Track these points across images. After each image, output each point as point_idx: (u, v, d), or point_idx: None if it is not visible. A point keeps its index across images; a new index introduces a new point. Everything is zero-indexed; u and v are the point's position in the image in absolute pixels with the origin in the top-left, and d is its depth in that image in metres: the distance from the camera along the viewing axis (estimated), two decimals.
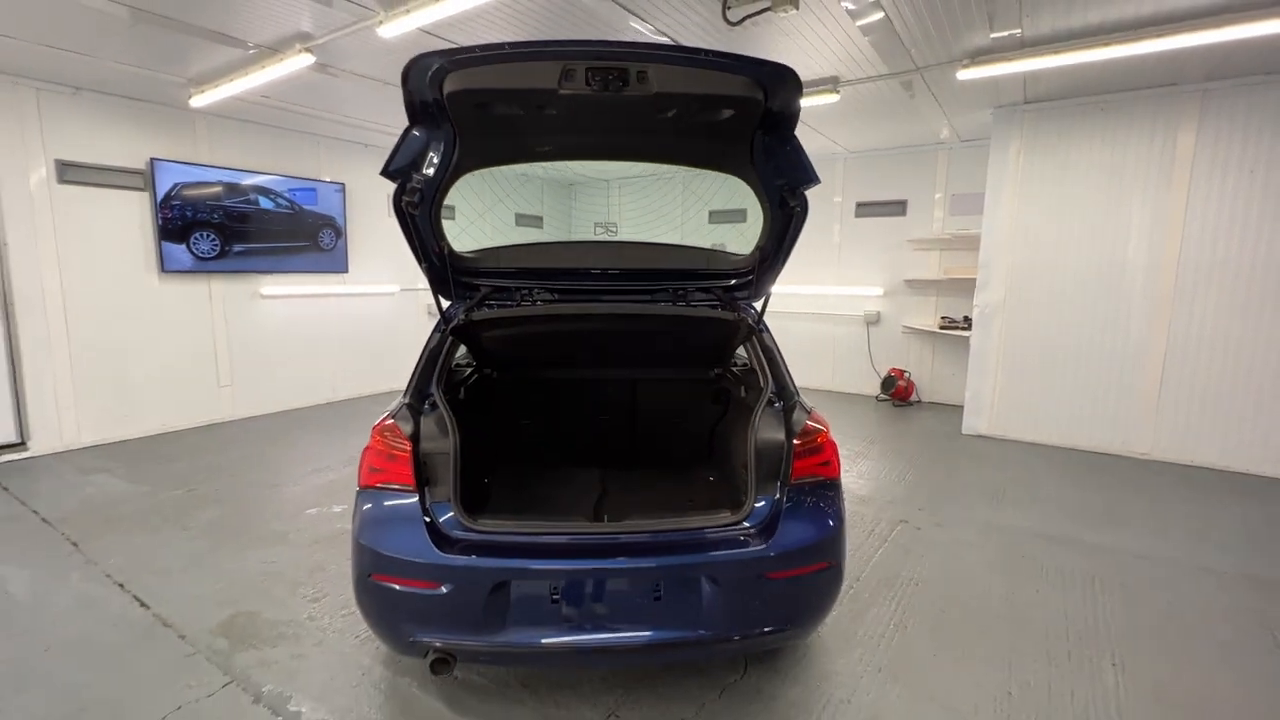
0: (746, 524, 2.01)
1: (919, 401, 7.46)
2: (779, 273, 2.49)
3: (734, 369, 2.97)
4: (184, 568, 3.26)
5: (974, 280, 6.11)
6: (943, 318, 7.20)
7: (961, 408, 6.30)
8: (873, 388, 7.70)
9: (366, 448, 2.05)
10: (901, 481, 4.67)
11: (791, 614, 2.01)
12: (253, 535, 3.64)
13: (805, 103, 5.24)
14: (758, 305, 2.58)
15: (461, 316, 2.26)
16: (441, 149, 1.99)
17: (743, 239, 2.67)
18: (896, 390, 7.34)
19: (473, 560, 1.82)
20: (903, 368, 7.49)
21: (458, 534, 1.90)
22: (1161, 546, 3.59)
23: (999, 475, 4.86)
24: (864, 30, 3.90)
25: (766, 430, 2.12)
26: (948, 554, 3.46)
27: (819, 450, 2.10)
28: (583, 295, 2.51)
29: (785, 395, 2.29)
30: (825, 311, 8.00)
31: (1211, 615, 2.87)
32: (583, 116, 1.94)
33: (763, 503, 2.05)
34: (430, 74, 1.73)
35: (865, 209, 7.65)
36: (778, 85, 1.78)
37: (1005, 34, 4.00)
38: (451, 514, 1.93)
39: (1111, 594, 3.04)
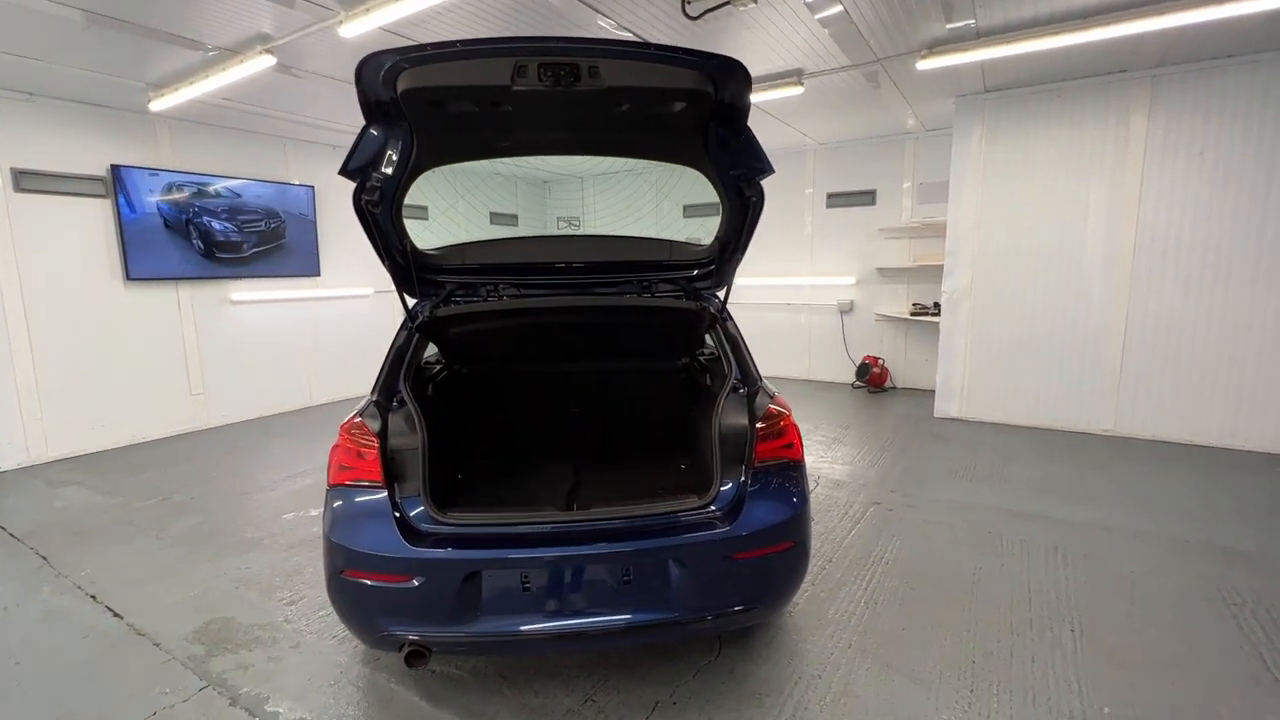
0: (713, 507, 2.06)
1: (893, 388, 7.59)
2: (739, 262, 2.55)
3: (701, 358, 3.02)
4: (158, 577, 3.23)
5: (943, 267, 6.24)
6: (914, 304, 7.33)
7: (934, 392, 6.43)
8: (848, 375, 7.82)
9: (335, 446, 2.06)
10: (875, 465, 4.77)
11: (759, 593, 2.06)
12: (228, 542, 3.62)
13: (771, 96, 5.31)
14: (721, 294, 2.63)
15: (426, 313, 2.28)
16: (399, 147, 2.01)
17: (704, 230, 2.70)
18: (871, 377, 7.46)
19: (443, 553, 1.85)
20: (877, 355, 7.62)
21: (427, 527, 1.92)
22: (1124, 518, 3.72)
23: (969, 456, 4.98)
24: (823, 23, 3.96)
25: (730, 415, 2.18)
26: (918, 533, 3.55)
27: (781, 433, 2.16)
28: (548, 289, 2.54)
29: (749, 381, 2.34)
30: (800, 302, 8.11)
31: (1169, 582, 2.99)
32: (538, 112, 1.97)
33: (728, 486, 2.10)
34: (383, 72, 1.75)
35: (836, 199, 7.75)
36: (726, 78, 1.83)
37: (960, 24, 4.09)
38: (421, 508, 1.95)
39: (1074, 565, 3.15)
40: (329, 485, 2.03)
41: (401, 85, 1.76)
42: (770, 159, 2.22)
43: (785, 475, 2.15)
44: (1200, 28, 4.08)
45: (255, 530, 3.77)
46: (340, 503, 1.97)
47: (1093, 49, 4.49)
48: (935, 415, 6.23)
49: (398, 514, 1.93)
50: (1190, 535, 3.49)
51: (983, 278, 5.90)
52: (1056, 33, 4.09)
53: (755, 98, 5.31)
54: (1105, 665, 2.36)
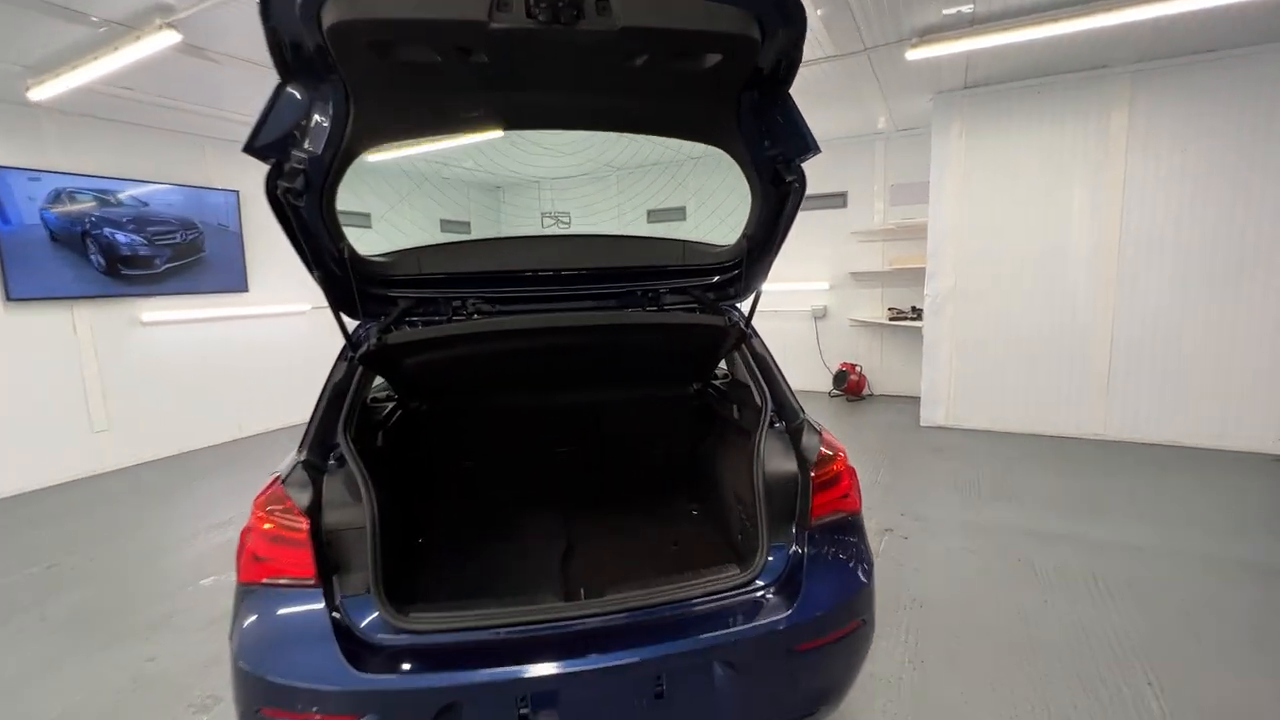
0: (760, 582, 1.60)
1: (871, 395, 7.35)
2: (771, 265, 2.10)
3: (716, 383, 2.57)
4: (35, 674, 2.54)
5: (920, 270, 6.02)
6: (890, 309, 7.11)
7: (914, 399, 6.20)
8: (825, 383, 7.54)
9: (246, 528, 1.50)
10: (876, 484, 4.42)
11: (825, 689, 1.61)
12: (128, 622, 2.93)
13: None
14: (744, 305, 2.19)
15: (373, 341, 1.73)
16: (330, 113, 1.45)
17: (725, 227, 2.22)
18: (849, 385, 7.19)
19: (406, 679, 1.32)
20: (854, 362, 7.36)
21: (383, 639, 1.39)
22: (1150, 535, 3.46)
23: (968, 469, 4.70)
24: (815, 3, 3.60)
25: (774, 460, 1.73)
26: (943, 566, 3.19)
27: (837, 480, 1.73)
28: (531, 304, 2.05)
29: (788, 414, 1.91)
30: (772, 308, 7.78)
31: (1226, 610, 2.71)
32: (523, 64, 1.45)
33: (777, 554, 1.64)
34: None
35: (807, 202, 7.26)
36: (780, 20, 1.38)
37: (955, 10, 3.81)
38: (374, 614, 1.41)
39: (1120, 597, 2.84)
40: (238, 583, 1.47)
41: (328, 19, 1.20)
42: None
43: (846, 533, 1.71)
44: (1184, 19, 3.93)
45: (164, 603, 3.09)
46: (255, 612, 1.40)
47: (1072, 43, 4.32)
48: (922, 424, 5.98)
49: (338, 623, 1.39)
50: (1220, 551, 3.25)
51: (967, 279, 5.68)
52: (1055, 20, 3.86)
53: None
54: None
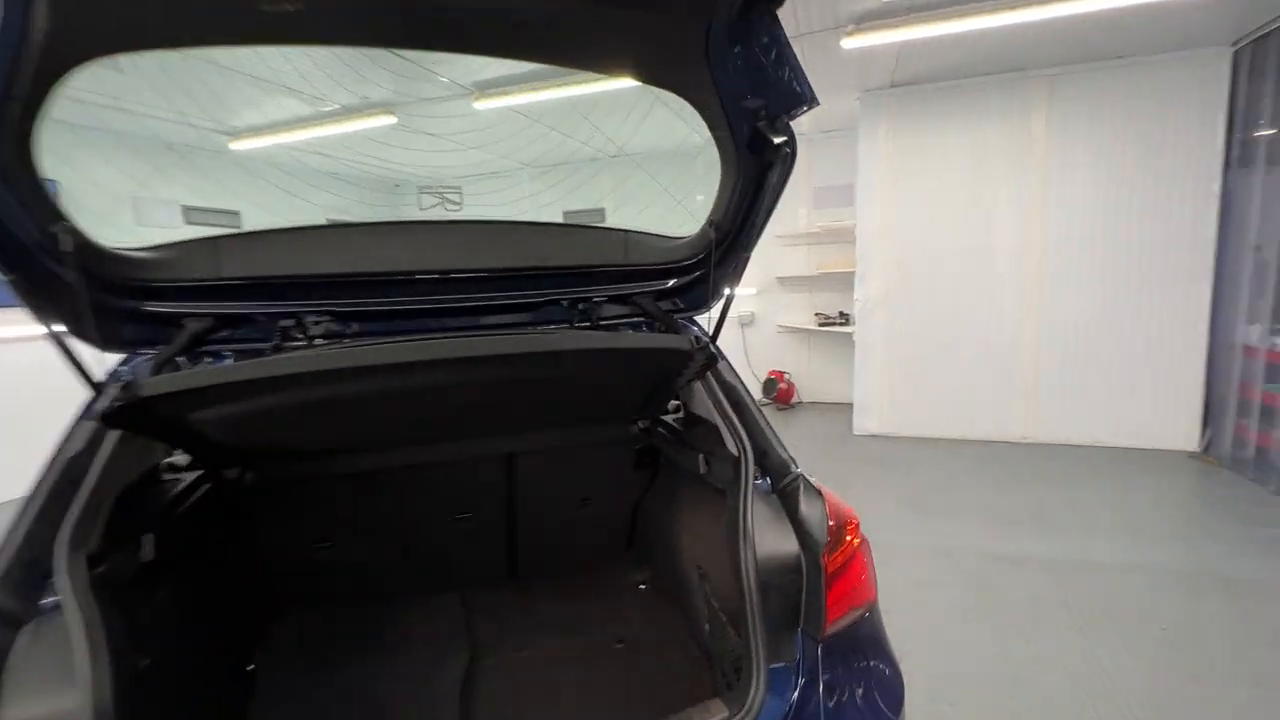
0: None
1: (800, 403, 7.15)
2: (746, 263, 1.63)
3: (665, 418, 2.06)
4: None
5: (848, 274, 5.85)
6: (818, 314, 6.94)
7: (845, 405, 6.02)
8: (753, 392, 7.26)
9: None
10: None
11: None
12: None
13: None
14: (709, 316, 1.71)
15: (119, 392, 0.99)
16: None
17: (684, 213, 1.71)
18: (779, 394, 6.95)
19: None
20: (782, 369, 7.14)
21: None
22: (1104, 549, 3.30)
23: (910, 481, 4.49)
24: None
25: (766, 539, 1.25)
26: (911, 604, 2.85)
27: (850, 563, 1.27)
28: (407, 321, 1.47)
29: (775, 466, 1.44)
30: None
31: (1207, 636, 2.52)
32: None
33: (779, 685, 1.15)
34: None
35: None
36: None
37: None
38: None
39: (1099, 629, 2.59)
40: None
41: None
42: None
43: (868, 641, 1.26)
44: (1096, 20, 3.91)
45: None
46: None
47: (995, 44, 4.26)
48: (855, 432, 5.78)
49: None
50: (1180, 564, 3.13)
51: (896, 284, 5.54)
52: (989, 11, 3.69)
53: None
54: None
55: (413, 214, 7.73)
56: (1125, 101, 4.77)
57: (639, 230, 1.69)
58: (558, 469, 2.06)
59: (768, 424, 1.56)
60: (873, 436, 5.71)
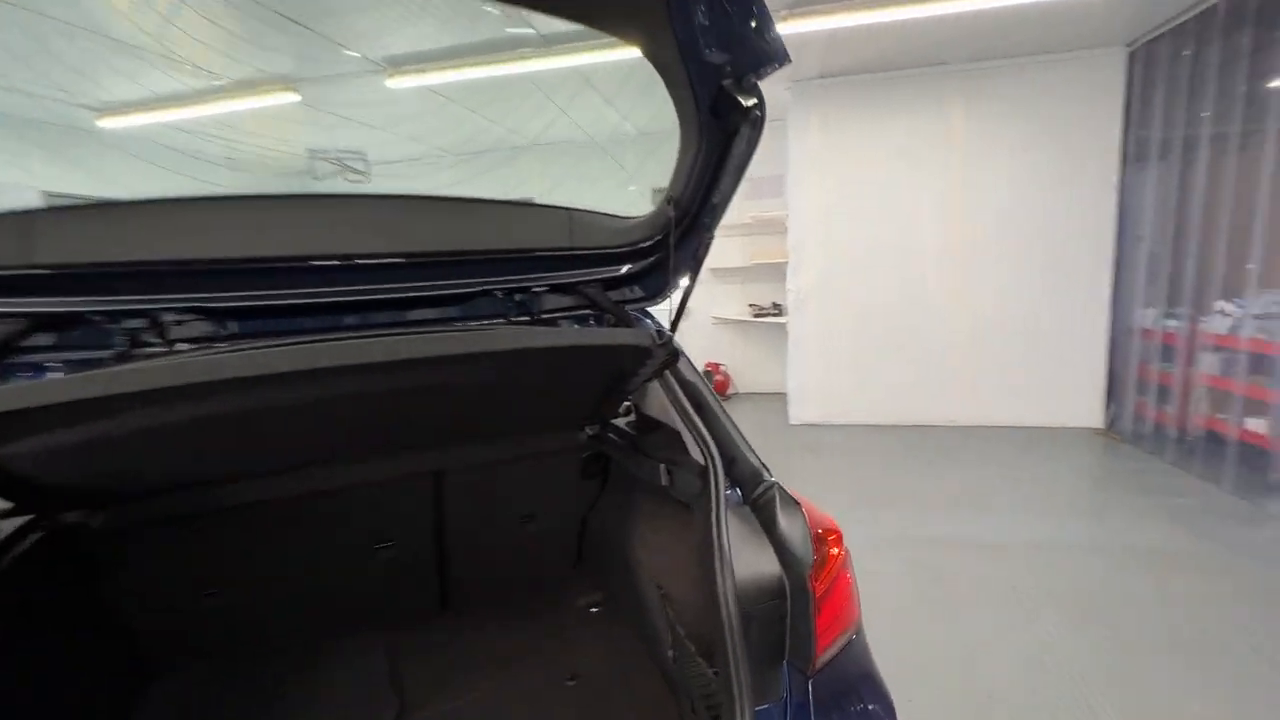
0: None
1: (736, 394, 7.17)
2: (709, 244, 1.45)
3: (616, 423, 1.88)
4: None
5: (781, 265, 5.87)
6: (751, 305, 6.96)
7: (780, 395, 6.06)
8: None
9: None
10: None
11: None
12: None
13: (599, 58, 4.32)
14: (664, 306, 1.54)
15: None
16: None
17: (635, 189, 1.51)
18: (715, 385, 6.92)
19: None
20: (718, 361, 7.12)
21: None
22: (1038, 529, 3.43)
23: (849, 469, 4.54)
24: None
25: (743, 560, 1.09)
26: (867, 595, 2.82)
27: (837, 580, 1.14)
28: (300, 318, 1.23)
29: (746, 475, 1.29)
30: None
31: (1144, 610, 2.62)
32: None
33: None
34: None
35: (662, 195, 7.07)
36: None
37: None
38: None
39: (1045, 610, 2.66)
40: None
41: None
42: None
43: (858, 674, 1.14)
44: (1013, 14, 4.07)
45: None
46: None
47: (916, 37, 4.35)
48: (791, 422, 5.83)
49: None
50: (1101, 538, 3.29)
51: (829, 274, 5.60)
52: (915, 1, 3.73)
53: (574, 60, 4.29)
54: None
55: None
56: (1034, 98, 5.00)
57: (585, 209, 1.48)
58: (494, 485, 1.83)
59: (734, 427, 1.41)
60: (809, 425, 5.77)
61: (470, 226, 1.39)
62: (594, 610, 1.94)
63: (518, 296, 1.43)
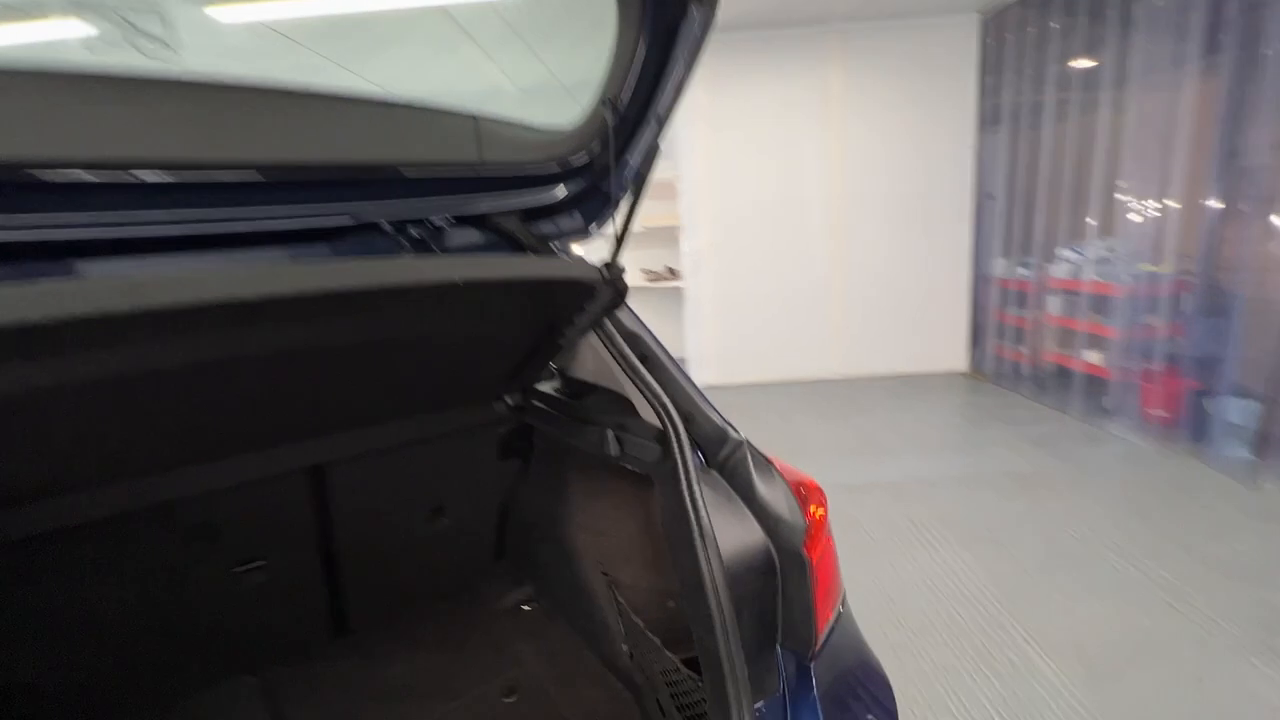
0: None
1: None
2: (655, 157, 1.13)
3: (543, 389, 1.61)
4: None
5: (672, 228, 5.82)
6: (645, 270, 6.86)
7: (678, 360, 6.08)
8: None
9: None
10: None
11: None
12: None
13: None
14: (600, 234, 1.31)
15: None
16: None
17: (564, 94, 1.15)
18: None
19: None
20: None
21: None
22: (926, 465, 3.67)
23: (751, 426, 4.55)
24: None
25: (727, 535, 0.96)
26: None
27: (826, 546, 1.05)
28: (93, 256, 0.81)
29: (707, 434, 1.16)
30: None
31: (1022, 529, 2.87)
32: None
33: None
34: None
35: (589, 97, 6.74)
36: None
37: None
38: None
39: (946, 541, 2.84)
40: None
41: None
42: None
43: (851, 648, 1.06)
44: None
45: None
46: None
47: None
48: None
49: None
50: (982, 468, 3.58)
51: (722, 235, 5.63)
52: None
53: None
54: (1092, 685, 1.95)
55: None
56: (903, 59, 5.25)
57: (497, 117, 1.14)
58: (392, 477, 1.54)
59: (689, 380, 1.27)
60: (709, 387, 5.82)
61: (341, 132, 0.99)
62: (525, 609, 1.75)
63: (412, 231, 1.07)
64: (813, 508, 1.04)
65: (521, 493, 1.79)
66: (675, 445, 1.04)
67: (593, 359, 1.36)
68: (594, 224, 1.26)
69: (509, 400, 1.60)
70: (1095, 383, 4.33)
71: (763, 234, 5.59)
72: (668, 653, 1.20)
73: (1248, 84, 3.43)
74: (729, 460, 1.10)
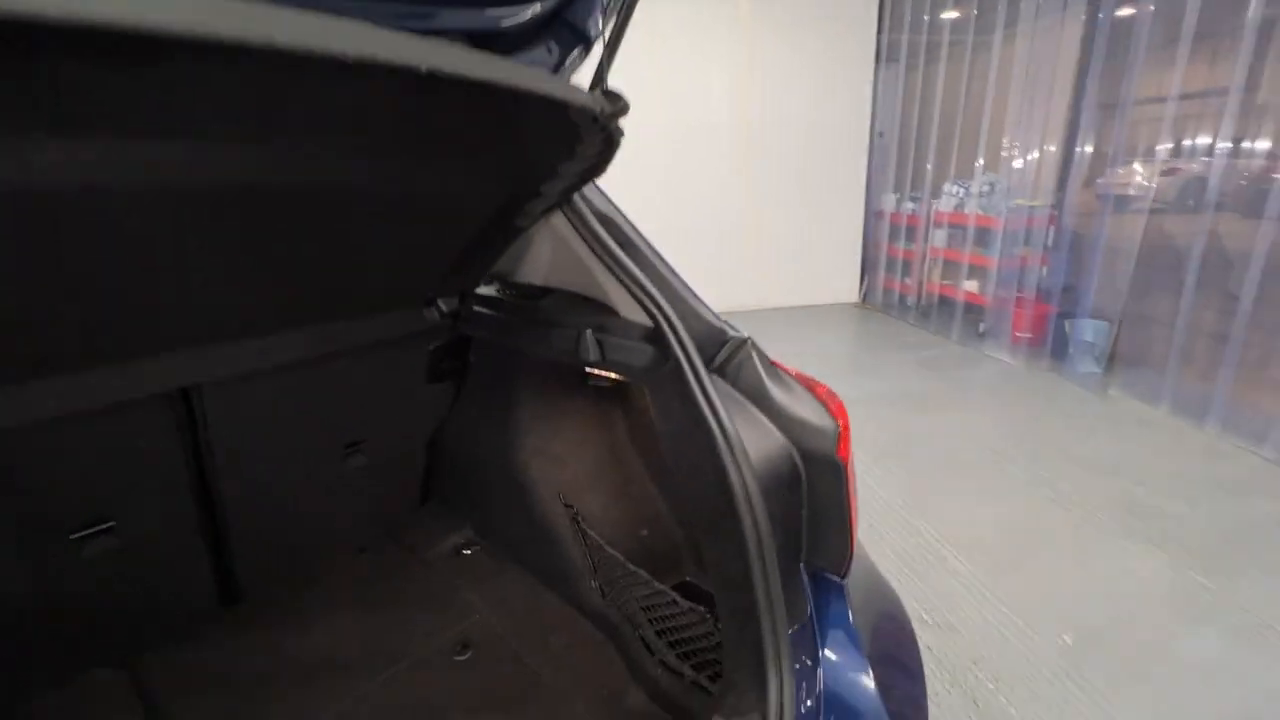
0: None
1: None
2: None
3: (484, 293, 1.37)
4: None
5: None
6: None
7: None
8: None
9: None
10: None
11: None
12: None
13: None
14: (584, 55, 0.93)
15: None
16: None
17: None
18: None
19: None
20: None
21: None
22: (839, 389, 3.85)
23: None
24: None
25: (749, 439, 0.86)
26: None
27: (849, 456, 0.99)
28: None
29: (702, 333, 1.02)
30: None
31: (930, 445, 3.12)
32: None
33: (802, 653, 0.82)
34: None
35: None
36: None
37: None
38: None
39: (861, 458, 3.01)
40: None
41: None
42: None
43: (865, 565, 1.04)
44: None
45: None
46: None
47: None
48: None
49: None
50: (884, 390, 3.83)
51: (634, 169, 5.40)
52: None
53: None
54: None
55: None
56: None
57: None
58: (294, 404, 1.25)
59: (673, 273, 1.12)
60: None
61: None
62: (466, 552, 1.58)
63: None
64: (839, 414, 0.98)
65: (455, 421, 1.58)
66: (675, 343, 0.92)
67: (549, 254, 1.15)
68: (573, 55, 0.92)
69: (443, 306, 1.35)
70: (973, 310, 4.74)
71: (672, 166, 5.44)
72: (657, 583, 1.13)
73: (1092, 42, 3.74)
74: (731, 361, 0.99)
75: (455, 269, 1.24)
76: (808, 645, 0.84)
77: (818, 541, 0.92)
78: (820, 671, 0.82)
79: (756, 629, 0.80)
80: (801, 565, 0.91)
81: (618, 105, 0.80)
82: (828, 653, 0.84)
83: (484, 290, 1.37)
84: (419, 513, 1.71)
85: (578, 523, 1.33)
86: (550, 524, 1.37)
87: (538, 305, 1.22)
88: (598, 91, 0.80)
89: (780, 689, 0.77)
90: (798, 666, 0.80)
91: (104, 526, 1.08)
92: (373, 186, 0.87)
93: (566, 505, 1.35)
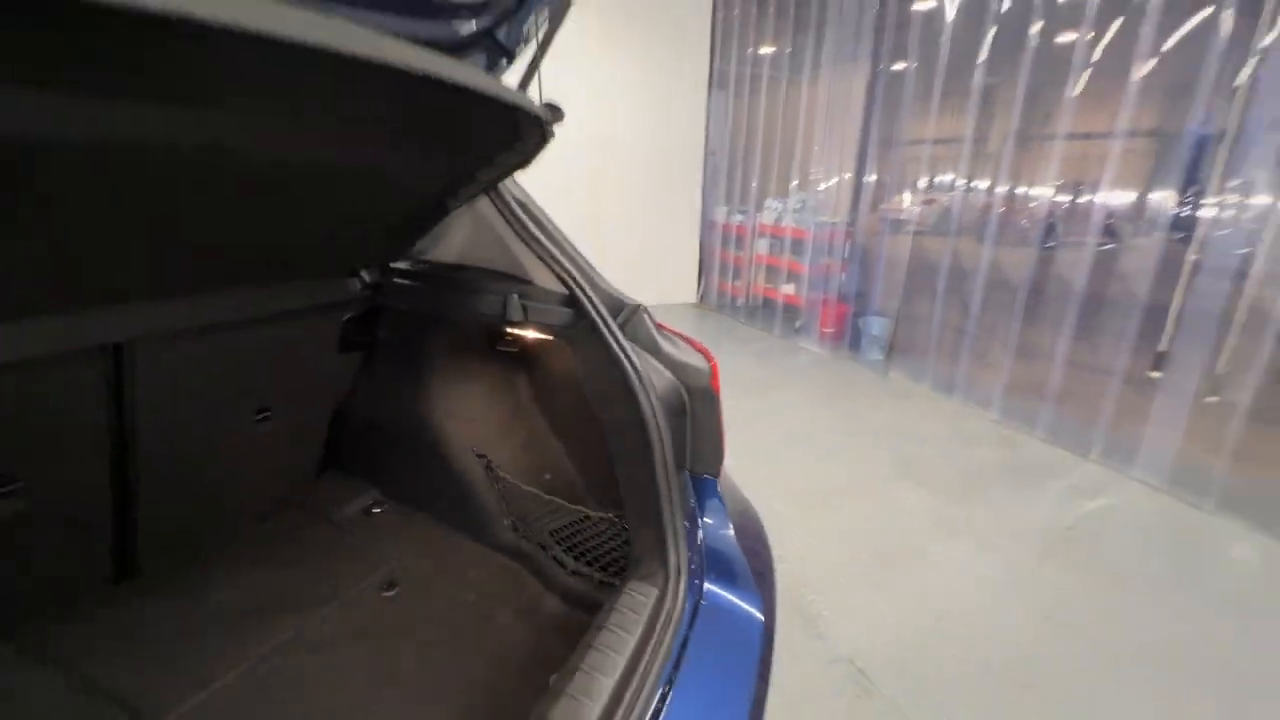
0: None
1: None
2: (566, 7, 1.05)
3: (401, 266, 1.45)
4: None
5: None
6: None
7: None
8: None
9: None
10: None
11: None
12: None
13: None
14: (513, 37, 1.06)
15: None
16: None
17: None
18: None
19: None
20: None
21: None
22: None
23: None
24: None
25: (656, 377, 1.15)
26: None
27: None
28: None
29: (605, 300, 1.23)
30: None
31: (787, 425, 3.66)
32: None
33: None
34: None
35: None
36: None
37: None
38: None
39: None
40: None
41: None
42: None
43: (731, 487, 1.37)
44: None
45: None
46: None
47: None
48: None
49: None
50: (733, 377, 4.36)
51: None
52: None
53: None
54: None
55: None
56: (652, 20, 5.66)
57: None
58: (215, 365, 1.25)
59: (577, 251, 1.32)
60: None
61: None
62: (377, 511, 1.69)
63: None
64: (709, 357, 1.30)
65: (363, 390, 1.66)
66: (589, 305, 1.16)
67: (469, 233, 1.34)
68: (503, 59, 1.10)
69: (365, 277, 1.43)
70: (790, 309, 5.54)
71: (537, 177, 5.56)
72: (571, 506, 1.37)
73: (875, 88, 4.67)
74: (629, 322, 1.24)
75: (384, 242, 1.36)
76: (691, 521, 1.15)
77: (699, 452, 1.23)
78: (701, 534, 1.14)
79: (660, 515, 1.08)
80: (686, 471, 1.22)
81: (556, 115, 1.01)
82: (706, 519, 1.17)
83: (400, 265, 1.48)
84: (317, 482, 1.75)
85: (492, 470, 1.51)
86: (464, 475, 1.53)
87: (456, 278, 1.37)
88: (542, 104, 1.00)
89: (676, 553, 1.07)
90: (686, 534, 1.10)
91: (12, 487, 1.04)
92: (325, 160, 0.92)
93: (480, 455, 1.52)
